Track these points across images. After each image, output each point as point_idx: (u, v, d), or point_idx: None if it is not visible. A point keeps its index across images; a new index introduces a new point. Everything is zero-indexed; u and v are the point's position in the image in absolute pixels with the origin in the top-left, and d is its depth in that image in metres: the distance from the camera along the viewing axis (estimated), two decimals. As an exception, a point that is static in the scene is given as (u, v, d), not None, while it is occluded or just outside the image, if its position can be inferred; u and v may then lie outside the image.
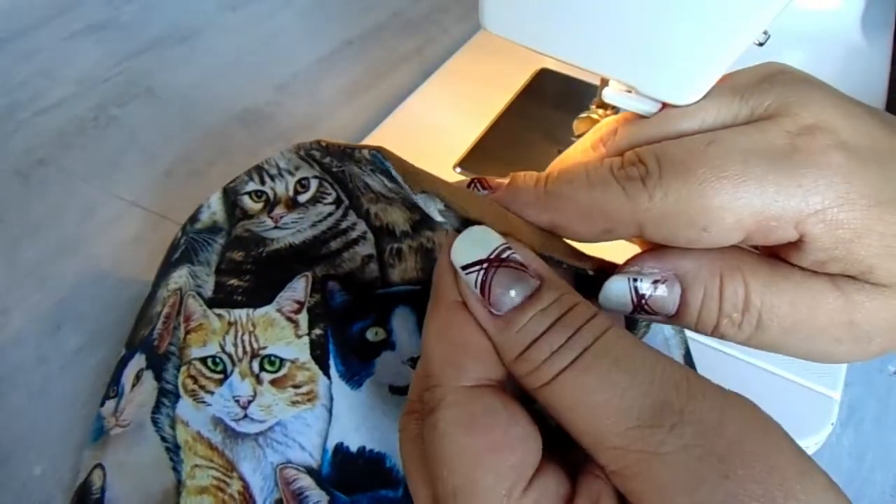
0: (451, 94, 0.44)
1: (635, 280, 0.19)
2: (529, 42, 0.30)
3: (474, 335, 0.18)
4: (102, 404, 0.30)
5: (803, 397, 0.30)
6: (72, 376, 0.33)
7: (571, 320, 0.16)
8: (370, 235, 0.30)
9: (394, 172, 0.20)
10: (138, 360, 0.30)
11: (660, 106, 0.30)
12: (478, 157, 0.39)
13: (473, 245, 0.18)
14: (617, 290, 0.20)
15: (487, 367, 0.17)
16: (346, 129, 0.46)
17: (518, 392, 0.18)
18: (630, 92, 0.30)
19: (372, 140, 0.40)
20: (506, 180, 0.21)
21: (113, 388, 0.30)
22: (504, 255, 0.17)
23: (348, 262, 0.29)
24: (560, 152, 0.40)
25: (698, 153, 0.18)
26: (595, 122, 0.35)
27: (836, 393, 0.30)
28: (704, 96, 0.21)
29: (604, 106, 0.34)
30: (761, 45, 0.42)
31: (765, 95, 0.20)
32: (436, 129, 0.41)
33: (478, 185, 0.21)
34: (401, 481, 0.25)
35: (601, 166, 0.19)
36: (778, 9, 0.24)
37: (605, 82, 0.32)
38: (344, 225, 0.31)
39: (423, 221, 0.29)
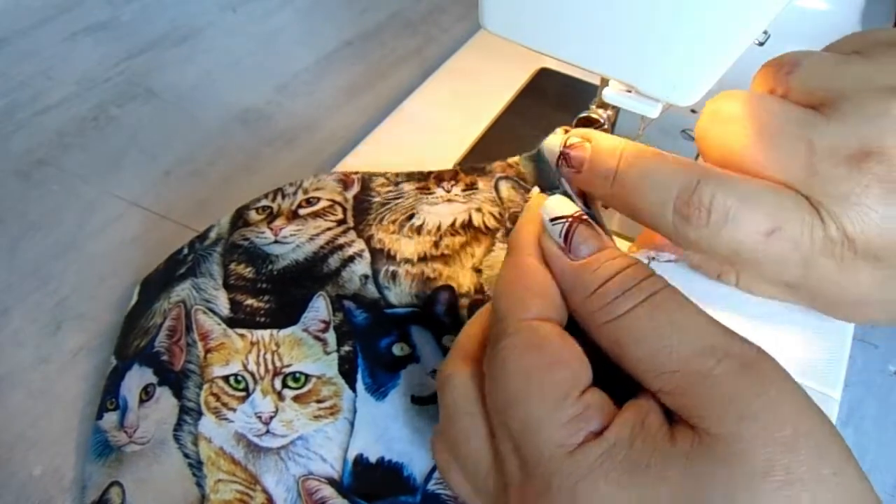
0: (451, 93, 0.44)
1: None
2: (529, 42, 0.30)
3: (540, 281, 0.21)
4: (100, 417, 0.30)
5: (803, 397, 0.30)
6: (72, 376, 0.33)
7: (638, 270, 0.20)
8: (366, 255, 0.31)
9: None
10: (140, 373, 0.30)
11: (660, 106, 0.30)
12: (478, 157, 0.39)
13: (563, 203, 0.22)
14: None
15: (547, 307, 0.20)
16: (346, 129, 0.46)
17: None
18: (630, 92, 0.31)
19: (372, 140, 0.40)
20: (584, 155, 0.26)
21: (111, 400, 0.30)
22: (584, 217, 0.22)
23: (349, 282, 0.30)
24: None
25: (757, 239, 0.23)
26: (595, 121, 0.35)
27: (837, 393, 0.30)
28: (773, 140, 0.24)
29: (604, 106, 0.34)
30: (761, 44, 0.43)
31: (817, 185, 0.23)
32: (436, 128, 0.41)
33: (563, 161, 0.26)
34: (418, 488, 0.26)
35: (667, 196, 0.24)
36: (778, 9, 0.24)
37: (605, 82, 0.32)
38: (341, 241, 0.32)
39: (440, 257, 0.31)
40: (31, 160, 0.43)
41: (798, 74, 0.25)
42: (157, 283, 0.34)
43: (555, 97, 0.43)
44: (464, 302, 0.30)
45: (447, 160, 0.39)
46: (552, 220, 0.22)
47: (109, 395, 0.30)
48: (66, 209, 0.41)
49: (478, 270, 0.31)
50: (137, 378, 0.30)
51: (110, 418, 0.29)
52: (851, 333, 0.32)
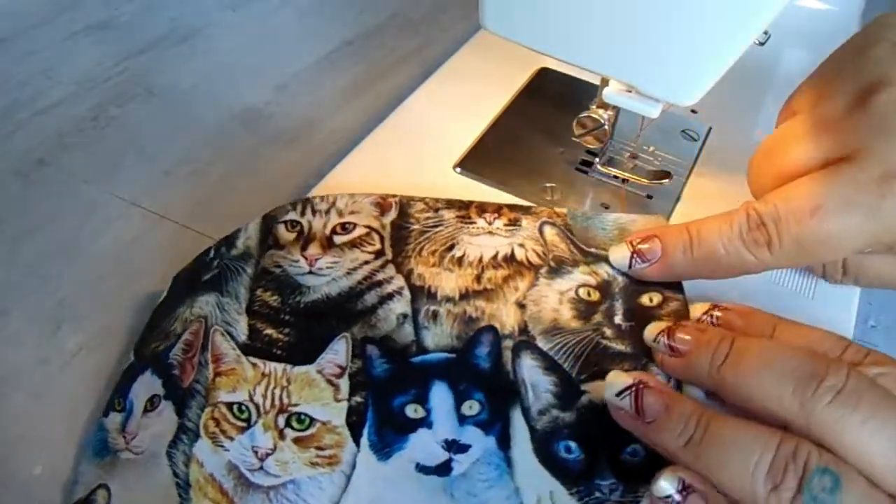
0: (451, 94, 0.44)
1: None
2: (529, 42, 0.30)
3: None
4: (106, 414, 0.29)
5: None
6: (72, 376, 0.33)
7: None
8: (406, 293, 0.30)
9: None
10: (150, 381, 0.29)
11: (661, 106, 0.30)
12: (478, 157, 0.39)
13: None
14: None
15: None
16: (346, 129, 0.46)
17: None
18: (630, 92, 0.31)
19: (372, 140, 0.40)
20: (657, 246, 0.30)
21: (119, 400, 0.30)
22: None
23: (383, 321, 0.30)
24: (562, 153, 0.40)
25: (805, 222, 0.26)
26: (595, 121, 0.35)
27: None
28: (805, 133, 0.27)
29: (604, 106, 0.34)
30: (762, 44, 0.43)
31: (849, 135, 0.26)
32: (436, 129, 0.41)
33: (637, 259, 0.30)
34: None
35: (733, 235, 0.27)
36: (778, 9, 0.24)
37: (605, 82, 0.32)
38: (379, 276, 0.31)
39: (483, 293, 0.30)
40: (31, 160, 0.43)
41: (797, 90, 0.30)
42: (184, 282, 0.33)
43: (555, 97, 0.43)
44: (507, 343, 0.29)
45: (447, 160, 0.39)
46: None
47: (119, 395, 0.30)
48: (66, 209, 0.41)
49: (521, 306, 0.30)
50: (147, 385, 0.29)
51: (115, 419, 0.29)
52: (851, 335, 0.32)
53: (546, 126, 0.41)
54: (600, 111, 0.35)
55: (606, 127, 0.35)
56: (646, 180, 0.37)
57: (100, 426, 0.29)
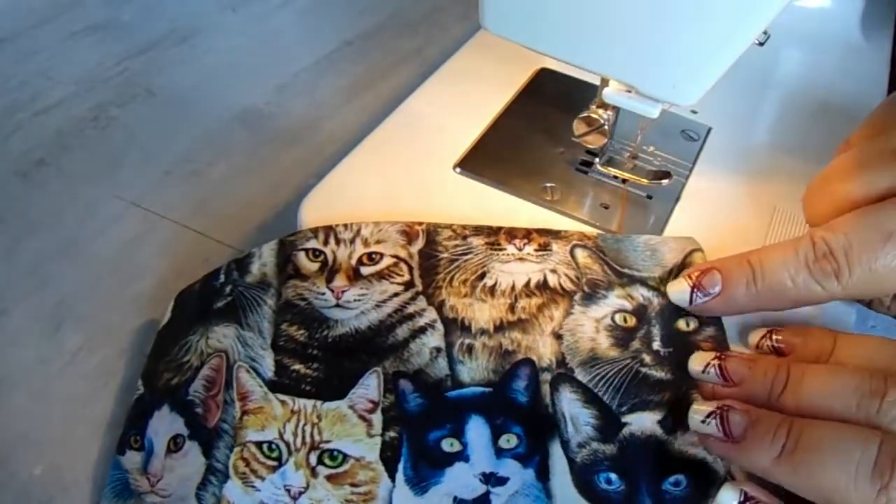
0: (451, 94, 0.44)
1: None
2: (529, 42, 0.30)
3: None
4: (122, 452, 0.29)
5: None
6: (72, 376, 0.33)
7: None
8: (439, 325, 0.30)
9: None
10: (171, 419, 0.29)
11: (661, 106, 0.30)
12: (478, 157, 0.39)
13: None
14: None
15: None
16: (346, 129, 0.46)
17: None
18: (630, 92, 0.31)
19: (372, 140, 0.40)
20: (717, 277, 0.28)
21: (135, 437, 0.29)
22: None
23: (416, 355, 0.29)
24: (562, 153, 0.40)
25: (878, 250, 0.24)
26: (595, 121, 0.35)
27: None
28: (869, 161, 0.27)
29: (604, 106, 0.34)
30: (761, 45, 0.43)
31: None
32: (436, 129, 0.41)
33: (697, 293, 0.28)
34: None
35: (799, 265, 0.26)
36: (778, 9, 0.24)
37: (605, 82, 0.32)
38: (410, 309, 0.30)
39: (518, 324, 0.30)
40: (31, 160, 0.43)
41: (857, 128, 0.29)
42: (193, 306, 0.32)
43: (555, 97, 0.43)
44: (545, 377, 0.28)
45: (447, 160, 0.39)
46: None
47: (134, 431, 0.29)
48: (66, 209, 0.41)
49: (558, 336, 0.29)
50: (167, 423, 0.29)
51: (133, 458, 0.28)
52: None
53: (546, 126, 0.41)
54: (600, 111, 0.35)
55: (606, 127, 0.35)
56: (646, 180, 0.37)
57: (116, 465, 0.28)
